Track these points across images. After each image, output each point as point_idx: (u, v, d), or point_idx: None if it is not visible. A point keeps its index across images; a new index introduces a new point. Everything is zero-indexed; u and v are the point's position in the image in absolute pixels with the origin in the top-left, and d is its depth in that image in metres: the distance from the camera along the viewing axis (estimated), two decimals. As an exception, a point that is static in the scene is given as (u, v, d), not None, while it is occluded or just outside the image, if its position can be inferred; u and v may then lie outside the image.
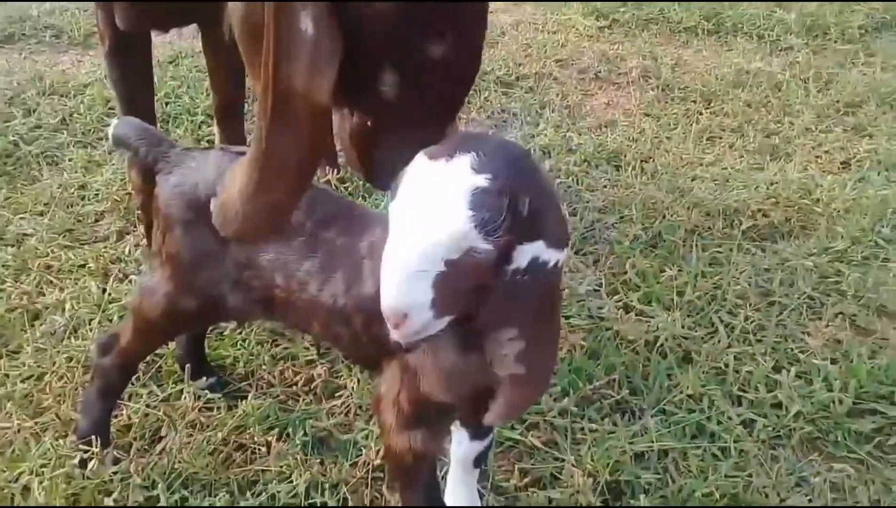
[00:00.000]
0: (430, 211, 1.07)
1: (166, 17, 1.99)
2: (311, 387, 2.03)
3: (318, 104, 1.28)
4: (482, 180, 1.06)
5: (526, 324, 1.16)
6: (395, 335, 1.13)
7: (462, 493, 1.68)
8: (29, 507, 1.68)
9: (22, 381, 2.00)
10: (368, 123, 1.58)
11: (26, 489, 1.72)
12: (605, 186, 2.90)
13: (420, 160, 1.12)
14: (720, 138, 3.27)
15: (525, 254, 1.10)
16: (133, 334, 1.71)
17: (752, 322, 2.27)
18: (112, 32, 1.96)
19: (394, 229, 1.11)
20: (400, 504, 1.55)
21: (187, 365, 1.95)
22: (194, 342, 1.99)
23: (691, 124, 3.34)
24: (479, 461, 1.65)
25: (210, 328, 2.09)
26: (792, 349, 2.19)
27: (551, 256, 1.11)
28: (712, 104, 3.52)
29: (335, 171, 2.81)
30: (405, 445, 1.44)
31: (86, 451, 1.74)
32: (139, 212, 2.18)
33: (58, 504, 1.65)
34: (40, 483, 1.70)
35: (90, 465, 1.73)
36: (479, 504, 1.71)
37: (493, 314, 1.15)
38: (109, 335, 1.78)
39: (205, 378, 1.98)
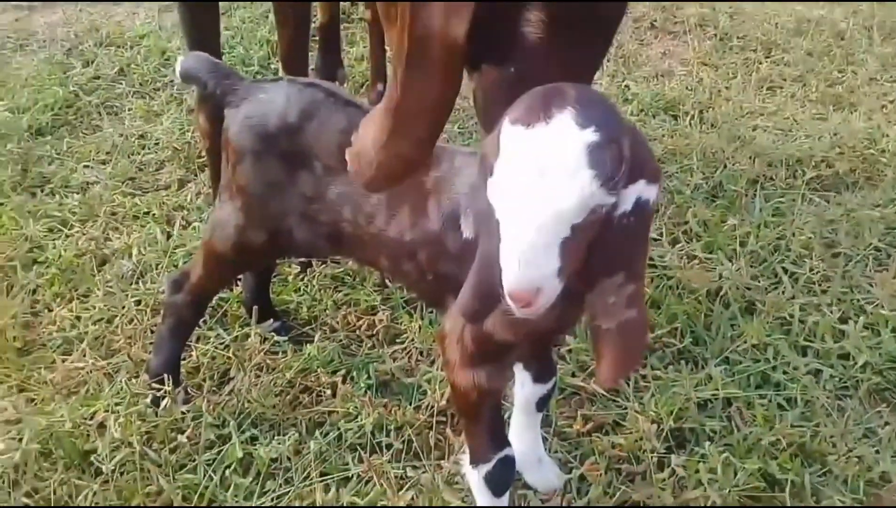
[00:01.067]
0: (549, 179, 1.03)
1: None
2: (374, 332, 2.05)
3: (455, 43, 1.23)
4: (592, 135, 1.03)
5: (633, 266, 1.15)
6: (525, 313, 1.10)
7: (525, 436, 1.69)
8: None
9: (93, 323, 2.05)
10: (511, 71, 1.49)
11: (102, 426, 1.77)
12: (663, 136, 2.85)
13: (512, 130, 1.08)
14: (781, 88, 3.19)
15: (630, 196, 1.09)
16: (204, 268, 1.73)
17: (816, 273, 2.24)
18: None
19: (506, 207, 1.08)
20: (467, 438, 1.57)
21: (254, 307, 1.98)
22: (260, 286, 2.01)
23: (751, 74, 3.27)
24: (542, 404, 1.66)
25: (274, 274, 2.11)
26: (858, 301, 2.16)
27: (651, 193, 1.10)
28: (772, 53, 3.43)
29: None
30: (469, 381, 1.45)
31: (158, 390, 1.78)
32: (207, 156, 2.19)
33: (133, 441, 1.70)
34: (115, 420, 1.74)
35: (163, 403, 1.77)
36: (542, 448, 1.72)
37: (603, 263, 1.13)
38: (180, 272, 1.81)
39: (271, 321, 2.01)
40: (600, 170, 1.03)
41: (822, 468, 1.73)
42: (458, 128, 2.86)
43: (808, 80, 3.23)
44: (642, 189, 1.09)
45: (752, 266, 2.25)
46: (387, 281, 2.15)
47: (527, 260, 1.06)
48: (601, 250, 1.11)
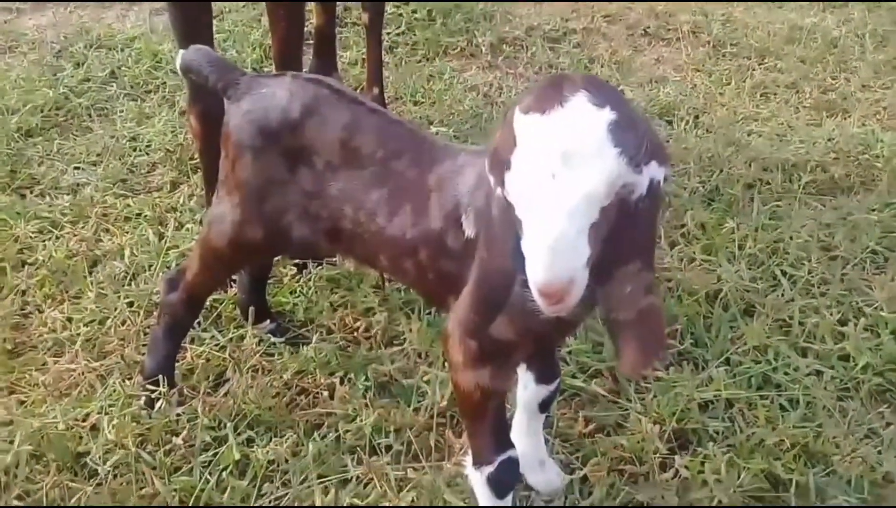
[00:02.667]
0: (575, 162, 1.01)
1: None
2: (371, 334, 2.03)
3: None
4: (610, 114, 1.02)
5: (648, 252, 1.13)
6: (555, 310, 1.07)
7: (528, 438, 1.67)
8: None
9: (85, 325, 2.02)
10: None
11: (95, 428, 1.74)
12: (659, 141, 2.85)
13: (527, 119, 1.05)
14: (775, 94, 3.20)
15: (644, 178, 1.07)
16: (199, 266, 1.71)
17: (815, 275, 2.23)
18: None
19: (530, 198, 1.05)
20: (469, 440, 1.54)
21: (250, 308, 1.95)
22: (256, 287, 1.99)
23: (744, 80, 3.27)
24: (545, 406, 1.64)
25: (270, 276, 2.08)
26: (857, 303, 2.15)
27: (661, 174, 1.08)
28: (766, 60, 3.44)
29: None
30: (472, 382, 1.43)
31: (152, 391, 1.75)
32: (199, 157, 2.17)
33: (127, 443, 1.66)
34: (109, 422, 1.71)
35: (157, 405, 1.74)
36: (545, 450, 1.70)
37: (620, 251, 1.10)
38: (176, 271, 1.79)
39: (267, 322, 1.98)
40: (625, 147, 1.02)
41: (825, 468, 1.72)
42: (454, 131, 2.84)
43: (802, 86, 3.24)
44: (655, 171, 1.08)
45: (750, 269, 2.25)
46: (384, 282, 2.12)
47: (559, 251, 1.03)
48: (618, 237, 1.09)
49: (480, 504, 1.54)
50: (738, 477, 1.66)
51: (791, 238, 2.35)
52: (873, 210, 2.50)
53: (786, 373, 1.93)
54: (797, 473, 1.68)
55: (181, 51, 1.70)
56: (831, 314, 2.09)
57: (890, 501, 1.68)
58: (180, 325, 1.80)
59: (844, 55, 3.47)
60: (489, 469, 1.50)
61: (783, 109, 3.08)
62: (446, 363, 1.54)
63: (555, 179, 1.02)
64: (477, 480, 1.52)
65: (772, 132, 2.91)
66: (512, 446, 1.53)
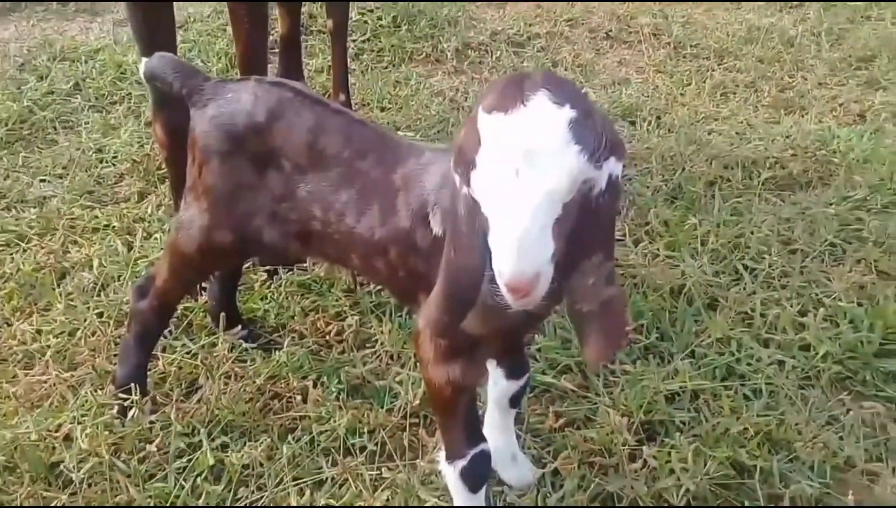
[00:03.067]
0: (538, 160, 1.04)
1: None
2: (343, 337, 2.04)
3: None
4: (570, 112, 1.05)
5: (608, 244, 1.16)
6: (522, 303, 1.10)
7: (500, 433, 1.69)
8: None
9: (55, 337, 2.01)
10: None
11: (68, 438, 1.73)
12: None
13: (490, 118, 1.08)
14: (734, 93, 3.27)
15: (604, 173, 1.11)
16: (169, 272, 1.71)
17: (775, 269, 2.29)
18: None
19: (495, 196, 1.08)
20: (442, 435, 1.57)
21: (222, 314, 1.96)
22: (226, 294, 2.00)
23: (705, 80, 3.34)
24: (516, 401, 1.67)
25: (240, 282, 2.09)
26: (817, 294, 2.21)
27: (619, 169, 1.12)
28: (725, 60, 3.52)
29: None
30: (444, 377, 1.45)
31: (125, 400, 1.75)
32: (166, 166, 2.17)
33: (102, 451, 1.67)
34: (82, 431, 1.71)
35: (130, 414, 1.74)
36: (517, 445, 1.73)
37: (582, 245, 1.14)
38: (145, 278, 1.79)
39: (239, 328, 1.99)
40: (585, 144, 1.05)
41: (788, 454, 1.77)
42: (421, 136, 2.87)
43: (760, 85, 3.32)
44: (613, 166, 1.12)
45: (713, 263, 2.30)
46: (356, 285, 2.14)
47: (524, 246, 1.06)
48: (580, 231, 1.12)
49: (455, 500, 1.56)
50: (705, 466, 1.70)
51: (752, 233, 2.41)
52: (830, 204, 2.57)
53: (749, 364, 1.98)
54: (761, 460, 1.73)
55: (144, 59, 1.71)
56: (792, 306, 2.15)
57: (851, 484, 1.73)
58: (151, 333, 1.80)
59: (801, 54, 3.56)
60: (462, 462, 1.52)
61: (742, 108, 3.15)
62: (417, 362, 1.56)
63: (518, 177, 1.05)
64: (450, 474, 1.54)
65: (731, 131, 2.97)
66: (484, 440, 1.56)
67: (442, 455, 1.56)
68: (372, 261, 1.52)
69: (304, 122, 1.52)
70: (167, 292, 1.75)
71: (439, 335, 1.38)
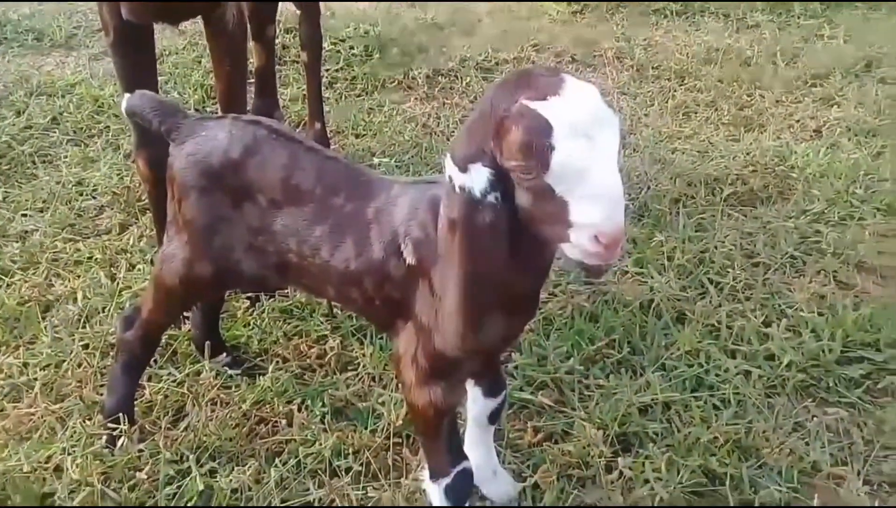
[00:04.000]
0: (603, 126, 1.16)
1: (172, 10, 2.02)
2: (326, 360, 2.10)
3: None
4: (594, 87, 1.20)
5: None
6: (612, 258, 1.20)
7: (480, 450, 1.75)
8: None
9: (41, 369, 2.05)
10: None
11: (58, 469, 1.77)
12: (590, 162, 2.99)
13: (549, 104, 1.16)
14: (696, 113, 3.38)
15: None
16: (154, 303, 1.76)
17: (739, 282, 2.38)
18: (116, 23, 1.99)
19: (577, 168, 1.15)
20: (426, 455, 1.63)
21: (206, 342, 2.00)
22: (209, 322, 2.04)
23: (667, 101, 3.46)
24: (494, 417, 1.73)
25: (223, 310, 2.14)
26: (780, 305, 2.31)
27: None
28: (686, 81, 3.63)
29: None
30: (426, 399, 1.52)
31: (113, 429, 1.79)
32: (149, 200, 2.22)
33: (93, 481, 1.70)
34: (73, 461, 1.75)
35: (119, 443, 1.78)
36: (497, 460, 1.79)
37: None
38: (132, 309, 1.84)
39: (223, 355, 2.04)
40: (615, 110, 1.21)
41: (757, 461, 1.85)
42: (396, 162, 2.95)
43: (720, 104, 3.43)
44: None
45: (680, 278, 2.39)
46: (331, 311, 2.20)
47: (616, 198, 1.17)
48: None
49: (439, 517, 1.63)
50: (678, 474, 1.78)
51: (716, 248, 2.51)
52: (790, 218, 2.67)
53: (717, 374, 2.06)
54: (731, 467, 1.81)
55: (126, 95, 1.76)
56: (756, 317, 2.24)
57: (818, 488, 1.81)
58: (138, 361, 1.84)
59: (758, 73, 3.68)
60: (446, 480, 1.59)
61: (704, 127, 3.26)
62: (399, 385, 1.62)
63: (594, 142, 1.16)
64: (435, 492, 1.60)
65: (694, 149, 3.08)
66: (465, 457, 1.62)
67: (425, 473, 1.62)
68: (347, 291, 1.57)
69: (279, 159, 1.57)
70: (152, 323, 1.80)
71: (464, 351, 1.43)
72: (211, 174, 1.60)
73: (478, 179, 1.25)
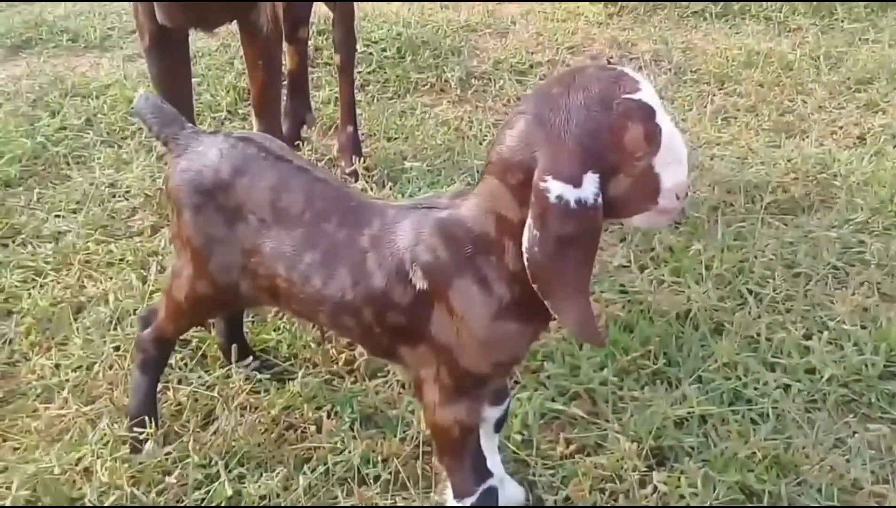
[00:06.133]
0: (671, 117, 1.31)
1: (205, 17, 2.01)
2: (355, 367, 2.08)
3: None
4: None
5: None
6: (678, 213, 1.36)
7: (487, 459, 1.71)
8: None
9: (73, 371, 2.05)
10: None
11: (87, 471, 1.77)
12: (625, 168, 2.94)
13: (645, 95, 1.26)
14: (735, 118, 3.32)
15: None
16: (165, 313, 1.76)
17: (780, 293, 2.32)
18: (152, 27, 2.00)
19: (675, 143, 1.28)
20: (449, 476, 1.60)
21: (233, 346, 1.99)
22: (232, 328, 2.03)
23: (705, 105, 3.39)
24: (499, 426, 1.70)
25: (249, 314, 2.13)
26: (821, 317, 2.24)
27: None
28: (725, 85, 3.57)
29: (361, 159, 2.85)
30: (451, 419, 1.49)
31: (140, 433, 1.78)
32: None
33: (122, 484, 1.70)
34: (102, 464, 1.74)
35: (146, 446, 1.77)
36: (503, 468, 1.74)
37: None
38: (149, 309, 1.84)
39: (251, 359, 2.03)
40: None
41: (796, 478, 1.79)
42: (427, 166, 2.92)
43: (761, 109, 3.36)
44: None
45: (718, 288, 2.33)
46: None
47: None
48: None
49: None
50: (714, 490, 1.73)
51: (755, 257, 2.45)
52: (833, 227, 2.60)
53: (755, 388, 2.01)
54: (769, 484, 1.75)
55: (140, 90, 1.73)
56: (796, 329, 2.18)
57: (859, 506, 1.76)
58: (153, 361, 1.82)
59: (800, 78, 3.61)
60: (471, 499, 1.56)
61: (743, 132, 3.20)
62: (421, 408, 1.58)
63: (668, 122, 1.27)
64: (460, 511, 1.57)
65: (733, 155, 3.02)
66: (491, 475, 1.59)
67: (448, 493, 1.59)
68: (342, 320, 1.53)
69: (266, 180, 1.54)
70: (164, 330, 1.78)
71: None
72: (203, 192, 1.57)
73: (591, 187, 1.26)
